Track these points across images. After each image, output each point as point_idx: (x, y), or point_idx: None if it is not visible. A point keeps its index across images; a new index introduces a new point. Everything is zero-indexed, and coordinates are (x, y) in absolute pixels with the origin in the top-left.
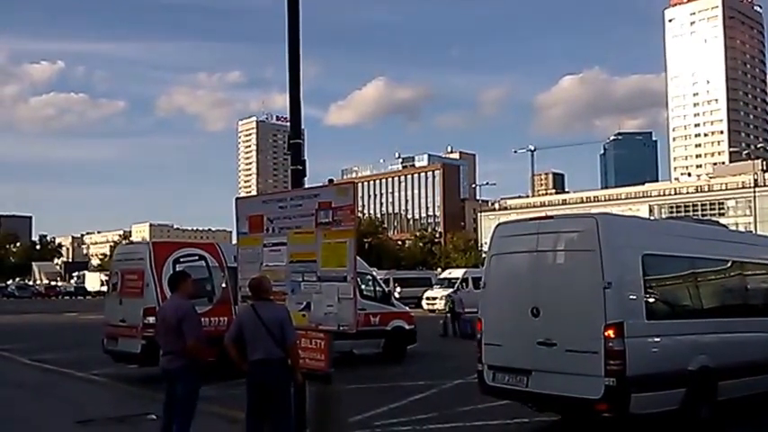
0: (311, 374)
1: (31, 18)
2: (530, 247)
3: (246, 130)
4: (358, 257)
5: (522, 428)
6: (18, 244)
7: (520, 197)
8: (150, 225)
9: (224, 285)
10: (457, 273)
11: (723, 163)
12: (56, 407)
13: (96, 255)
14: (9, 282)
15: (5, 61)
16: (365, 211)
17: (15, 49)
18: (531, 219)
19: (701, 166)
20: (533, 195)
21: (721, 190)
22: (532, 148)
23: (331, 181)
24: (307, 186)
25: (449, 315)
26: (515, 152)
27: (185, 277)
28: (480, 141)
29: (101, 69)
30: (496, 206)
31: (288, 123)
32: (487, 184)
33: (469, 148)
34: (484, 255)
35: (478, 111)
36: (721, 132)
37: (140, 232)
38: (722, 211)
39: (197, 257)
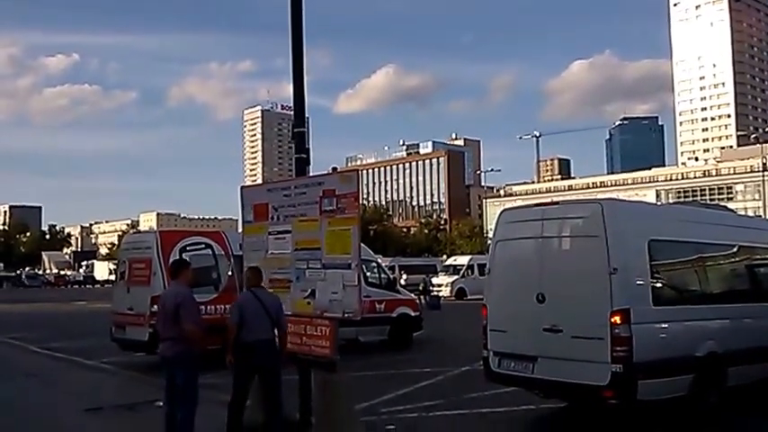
0: (317, 362)
1: (48, 11)
2: (535, 233)
3: (252, 119)
4: (363, 245)
5: (528, 415)
6: (28, 234)
7: (525, 183)
8: (157, 214)
9: (230, 273)
10: (462, 259)
11: (731, 147)
12: (65, 395)
13: (105, 244)
14: (19, 271)
15: (22, 54)
16: (370, 199)
17: (32, 42)
18: (535, 205)
19: (708, 150)
20: (539, 181)
21: (729, 174)
22: (537, 134)
23: (335, 169)
24: (311, 174)
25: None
26: (520, 138)
27: (185, 265)
28: (489, 128)
29: (114, 61)
30: (502, 192)
31: (292, 112)
32: (492, 170)
33: (478, 135)
34: (489, 241)
35: (487, 98)
36: (728, 116)
37: (148, 221)
38: (730, 196)
39: (203, 246)
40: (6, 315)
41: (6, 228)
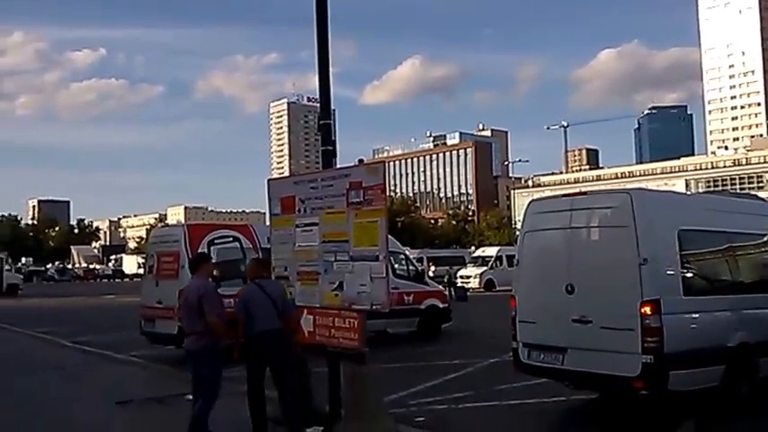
0: (345, 354)
1: (74, 6)
2: (563, 224)
3: (278, 111)
4: (390, 236)
5: (559, 407)
6: (57, 228)
7: (553, 174)
8: (185, 208)
9: None
10: (490, 251)
11: (761, 135)
12: (96, 388)
13: (133, 238)
14: (49, 265)
15: (49, 49)
16: (397, 190)
17: (58, 36)
18: (564, 195)
19: (738, 139)
20: (567, 172)
21: (759, 163)
22: (565, 124)
23: (361, 161)
24: (337, 167)
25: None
26: (548, 128)
27: (205, 258)
28: (515, 119)
29: (140, 55)
30: (530, 183)
31: (318, 104)
32: (520, 161)
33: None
34: (517, 232)
35: (514, 88)
36: (758, 104)
37: (175, 215)
38: (761, 185)
39: (231, 239)
40: (36, 309)
41: (35, 222)
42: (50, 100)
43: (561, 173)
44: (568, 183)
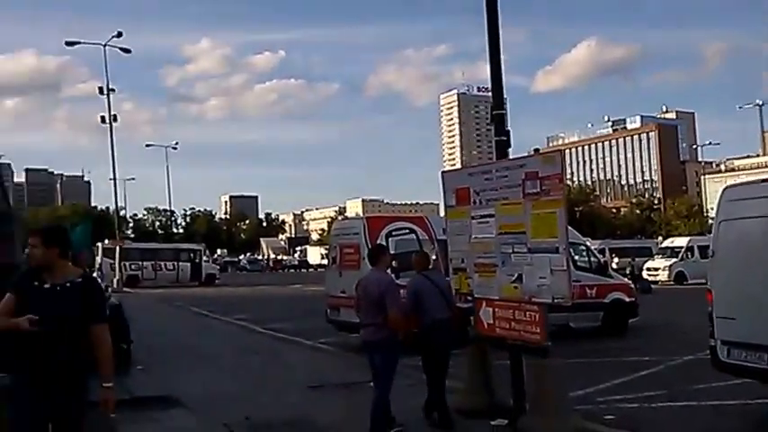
0: (527, 347)
1: (255, 13)
2: (763, 212)
3: (448, 103)
4: (570, 227)
5: (762, 409)
6: (247, 222)
7: (749, 157)
8: (362, 200)
9: (434, 258)
10: (680, 241)
11: None
12: (289, 372)
13: (315, 230)
14: (241, 257)
15: (233, 54)
16: (574, 179)
17: (242, 41)
18: (763, 180)
19: None
20: (764, 154)
21: None
22: (760, 103)
23: (537, 150)
24: (512, 157)
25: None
26: (740, 108)
27: (383, 251)
28: (703, 99)
29: (317, 55)
30: (722, 167)
31: (489, 94)
32: (710, 144)
33: (690, 107)
34: (710, 221)
35: (699, 67)
36: None
37: (354, 208)
38: None
39: (407, 231)
40: (231, 298)
41: (228, 217)
42: (237, 101)
43: (758, 155)
44: (766, 166)
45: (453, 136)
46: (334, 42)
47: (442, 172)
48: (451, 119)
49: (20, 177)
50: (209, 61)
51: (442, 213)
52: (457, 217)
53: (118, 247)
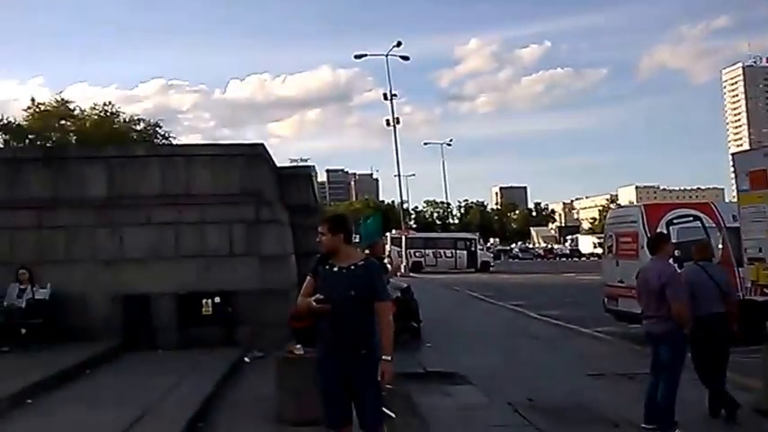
0: None
1: (519, 8)
2: None
3: (732, 78)
4: None
5: None
6: (517, 212)
7: None
8: (636, 187)
9: (720, 246)
10: None
11: None
12: (567, 359)
13: (586, 219)
14: (512, 245)
15: (500, 49)
16: None
17: (507, 37)
18: None
19: None
20: None
21: None
22: None
23: None
24: None
25: None
26: None
27: (664, 239)
28: None
29: (583, 41)
30: None
31: None
32: None
33: None
34: None
35: None
36: None
37: (626, 195)
38: None
39: (691, 218)
40: (505, 284)
41: (499, 207)
42: (505, 95)
43: None
44: None
45: (739, 113)
46: (601, 28)
47: (733, 153)
48: (736, 95)
49: (322, 177)
50: (477, 60)
51: (727, 199)
52: (751, 202)
53: (404, 237)
